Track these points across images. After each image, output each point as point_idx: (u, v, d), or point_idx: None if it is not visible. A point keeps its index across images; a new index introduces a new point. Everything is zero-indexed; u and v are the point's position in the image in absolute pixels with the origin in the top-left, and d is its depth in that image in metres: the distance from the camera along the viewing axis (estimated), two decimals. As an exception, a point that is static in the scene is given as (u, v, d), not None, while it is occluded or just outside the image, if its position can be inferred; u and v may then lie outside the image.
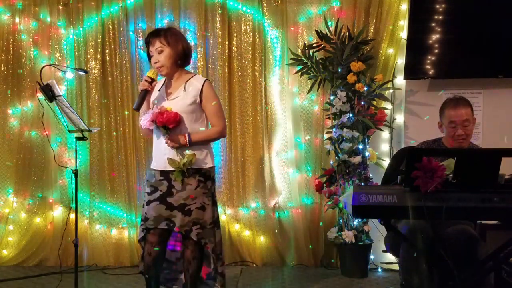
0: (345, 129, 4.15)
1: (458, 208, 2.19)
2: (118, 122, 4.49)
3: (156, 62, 2.92)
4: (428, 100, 4.28)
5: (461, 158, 2.25)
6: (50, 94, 3.19)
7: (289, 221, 4.45)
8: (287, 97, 4.46)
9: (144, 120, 2.87)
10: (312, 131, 4.46)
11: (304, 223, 4.42)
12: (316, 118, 4.45)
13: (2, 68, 4.55)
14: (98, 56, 4.49)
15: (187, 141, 2.86)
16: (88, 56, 4.51)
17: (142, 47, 4.44)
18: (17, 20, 4.53)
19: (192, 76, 3.01)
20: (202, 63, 4.46)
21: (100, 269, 4.37)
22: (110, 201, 4.52)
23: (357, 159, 4.11)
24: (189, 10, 4.46)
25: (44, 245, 4.51)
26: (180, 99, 2.92)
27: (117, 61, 4.48)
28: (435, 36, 4.10)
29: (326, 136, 4.36)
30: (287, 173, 4.49)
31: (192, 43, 4.42)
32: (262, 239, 4.49)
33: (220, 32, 4.44)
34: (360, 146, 4.16)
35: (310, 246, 4.43)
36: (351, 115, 4.15)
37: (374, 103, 4.24)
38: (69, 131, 3.51)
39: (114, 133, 4.50)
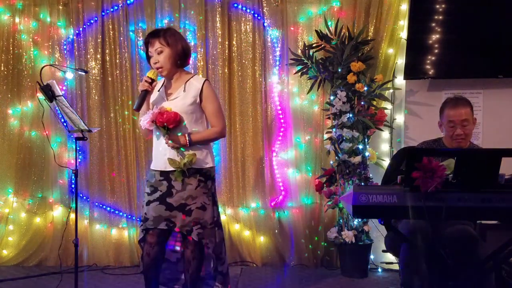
0: (345, 129, 4.15)
1: (458, 208, 2.19)
2: (118, 122, 4.50)
3: (155, 63, 2.92)
4: (428, 100, 4.28)
5: (461, 158, 2.25)
6: (50, 94, 3.19)
7: (289, 221, 4.45)
8: (287, 97, 4.46)
9: (144, 120, 2.87)
10: (312, 131, 4.46)
11: (304, 223, 4.42)
12: (316, 118, 4.45)
13: (2, 68, 4.56)
14: (98, 56, 4.49)
15: (187, 141, 2.86)
16: (88, 56, 4.51)
17: (142, 47, 4.44)
18: (17, 20, 4.53)
19: (192, 77, 3.01)
20: (202, 63, 4.46)
21: (100, 269, 4.37)
22: (110, 201, 4.52)
23: (357, 159, 4.11)
24: (189, 10, 4.46)
25: (44, 245, 4.51)
26: (180, 100, 2.92)
27: (117, 61, 4.48)
28: (435, 36, 4.10)
29: (326, 136, 4.36)
30: (287, 173, 4.49)
31: (192, 43, 4.43)
32: (262, 239, 4.49)
33: (220, 32, 4.44)
34: (360, 146, 4.16)
35: (310, 246, 4.43)
36: (351, 115, 4.15)
37: (374, 103, 4.24)
38: (69, 131, 3.51)
39: (114, 133, 4.51)
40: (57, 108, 3.37)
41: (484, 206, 2.18)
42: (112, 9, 4.48)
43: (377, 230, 4.14)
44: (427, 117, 4.22)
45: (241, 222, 4.50)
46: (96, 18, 4.48)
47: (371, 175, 4.19)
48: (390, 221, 2.48)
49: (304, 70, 4.31)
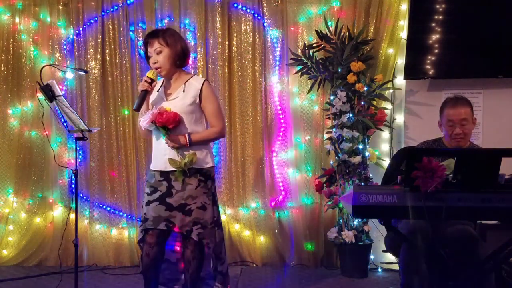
0: (345, 129, 4.15)
1: (458, 208, 2.19)
2: (118, 122, 4.50)
3: (154, 63, 2.91)
4: (428, 100, 4.28)
5: (461, 158, 2.25)
6: (50, 94, 3.19)
7: (289, 221, 4.45)
8: (287, 97, 4.46)
9: (144, 121, 2.87)
10: (312, 131, 4.46)
11: (304, 223, 4.42)
12: (316, 118, 4.45)
13: (2, 68, 4.55)
14: (98, 56, 4.49)
15: (187, 141, 2.86)
16: (88, 56, 4.51)
17: (142, 47, 4.43)
18: (17, 20, 4.53)
19: (191, 77, 3.01)
20: (202, 63, 4.46)
21: (100, 269, 4.37)
22: (110, 201, 4.52)
23: (357, 159, 4.11)
24: (189, 10, 4.46)
25: (44, 245, 4.51)
26: (179, 100, 2.91)
27: (117, 61, 4.48)
28: (435, 36, 4.10)
29: (326, 136, 4.36)
30: (287, 173, 4.49)
31: (192, 43, 4.43)
32: (262, 239, 4.49)
33: (220, 32, 4.44)
34: (360, 146, 4.16)
35: (310, 246, 4.42)
36: (351, 115, 4.15)
37: (374, 103, 4.24)
38: (69, 131, 3.51)
39: (114, 133, 4.50)
40: (57, 108, 3.37)
41: (484, 206, 2.18)
42: (112, 9, 4.48)
43: (377, 230, 4.14)
44: (427, 117, 4.21)
45: (241, 222, 4.50)
46: (96, 18, 4.48)
47: (371, 175, 4.18)
48: (390, 221, 2.48)
49: (304, 70, 4.31)
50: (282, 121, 4.49)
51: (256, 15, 4.44)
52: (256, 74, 4.45)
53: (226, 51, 4.44)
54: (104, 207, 4.53)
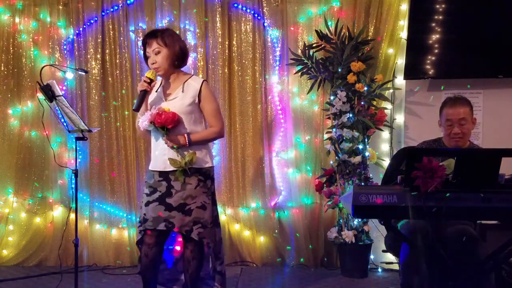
0: (345, 129, 4.15)
1: (458, 208, 2.19)
2: (118, 122, 4.50)
3: (153, 63, 2.91)
4: (428, 100, 4.28)
5: (461, 158, 2.25)
6: (50, 94, 3.19)
7: (289, 221, 4.45)
8: (287, 97, 4.46)
9: (143, 121, 2.86)
10: (312, 131, 4.46)
11: (304, 223, 4.42)
12: (316, 118, 4.45)
13: (2, 68, 4.55)
14: (98, 56, 4.49)
15: (187, 141, 2.86)
16: (88, 56, 4.51)
17: (142, 47, 4.43)
18: (17, 20, 4.53)
19: (190, 77, 3.00)
20: (202, 63, 4.46)
21: (100, 269, 4.37)
22: (110, 201, 4.52)
23: (357, 159, 4.11)
24: (189, 10, 4.46)
25: (44, 245, 4.51)
26: (178, 100, 2.91)
27: (117, 61, 4.48)
28: (435, 36, 4.10)
29: (326, 136, 4.36)
30: (287, 173, 4.49)
31: (192, 43, 4.43)
32: (262, 239, 4.49)
33: (220, 32, 4.44)
34: (360, 146, 4.16)
35: (310, 246, 4.42)
36: (351, 115, 4.15)
37: (374, 103, 4.24)
38: (69, 131, 3.51)
39: (114, 133, 4.50)
40: (57, 108, 3.37)
41: (484, 206, 2.18)
42: (112, 9, 4.47)
43: (377, 230, 4.14)
44: (427, 117, 4.21)
45: (241, 222, 4.50)
46: (96, 18, 4.48)
47: (371, 175, 4.18)
48: (390, 221, 2.48)
49: (304, 70, 4.31)
50: (282, 121, 4.49)
51: (256, 15, 4.44)
52: (256, 74, 4.45)
53: (226, 51, 4.43)
54: (104, 207, 4.53)
